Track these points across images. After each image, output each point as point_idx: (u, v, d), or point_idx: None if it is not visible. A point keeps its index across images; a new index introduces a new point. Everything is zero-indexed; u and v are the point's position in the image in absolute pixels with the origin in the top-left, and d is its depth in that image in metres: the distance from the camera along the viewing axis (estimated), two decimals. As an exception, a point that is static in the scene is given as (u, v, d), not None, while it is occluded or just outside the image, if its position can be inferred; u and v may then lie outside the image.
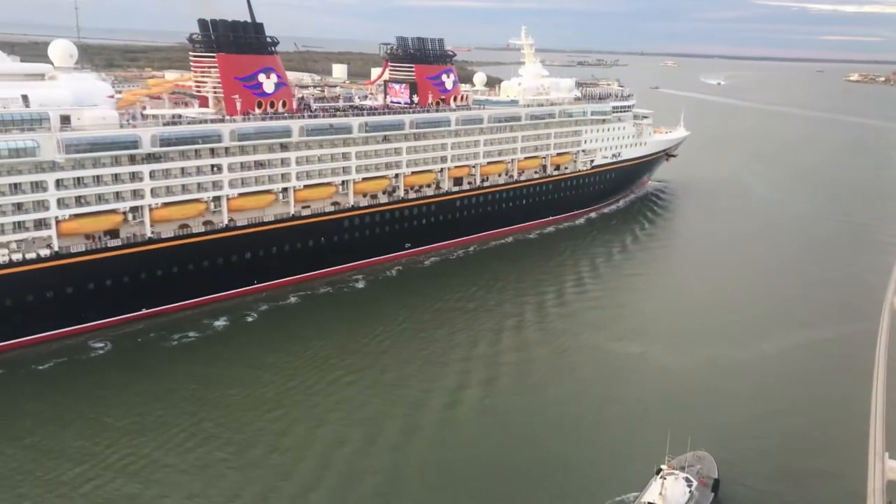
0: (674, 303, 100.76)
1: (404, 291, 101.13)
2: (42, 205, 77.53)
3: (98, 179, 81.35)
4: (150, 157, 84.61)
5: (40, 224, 77.80)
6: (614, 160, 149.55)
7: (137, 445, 59.80)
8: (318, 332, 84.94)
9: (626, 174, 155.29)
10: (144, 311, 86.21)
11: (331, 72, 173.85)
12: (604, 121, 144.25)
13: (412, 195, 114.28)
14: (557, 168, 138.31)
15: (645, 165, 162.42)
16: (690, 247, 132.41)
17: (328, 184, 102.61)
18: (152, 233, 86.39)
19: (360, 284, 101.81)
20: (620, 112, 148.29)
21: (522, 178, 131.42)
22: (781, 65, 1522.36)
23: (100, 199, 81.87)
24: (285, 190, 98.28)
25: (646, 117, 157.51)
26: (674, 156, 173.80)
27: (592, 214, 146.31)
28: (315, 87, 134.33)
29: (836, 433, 65.24)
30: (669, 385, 74.49)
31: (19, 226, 76.52)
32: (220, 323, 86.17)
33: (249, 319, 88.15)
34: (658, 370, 77.58)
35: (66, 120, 79.43)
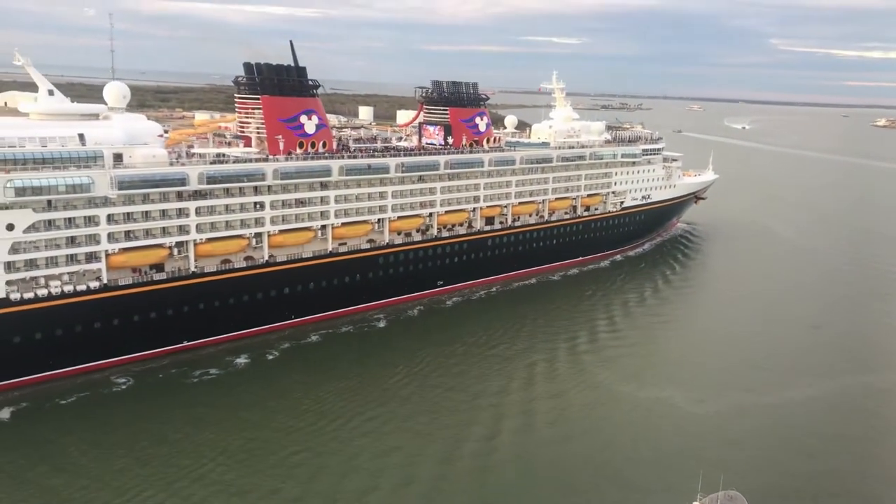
0: (704, 347, 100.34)
1: (429, 332, 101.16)
2: (94, 238, 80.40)
3: (146, 215, 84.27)
4: (197, 194, 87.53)
5: (91, 257, 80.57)
6: (644, 202, 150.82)
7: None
8: (341, 372, 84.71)
9: (656, 216, 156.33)
10: (186, 343, 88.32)
11: (357, 113, 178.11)
12: (634, 163, 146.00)
13: (445, 234, 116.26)
14: (588, 209, 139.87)
15: (674, 207, 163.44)
16: (719, 290, 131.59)
17: (365, 222, 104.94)
18: (196, 267, 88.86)
19: (382, 324, 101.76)
20: (650, 155, 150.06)
21: (553, 218, 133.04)
22: (806, 109, 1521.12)
23: (147, 233, 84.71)
24: (324, 227, 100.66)
25: (675, 160, 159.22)
26: (703, 198, 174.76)
27: (618, 257, 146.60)
28: (351, 128, 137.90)
29: (869, 477, 65.30)
30: (700, 427, 74.82)
31: (72, 258, 79.36)
32: (242, 360, 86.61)
33: (270, 357, 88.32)
34: (688, 414, 77.64)
35: (118, 158, 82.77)
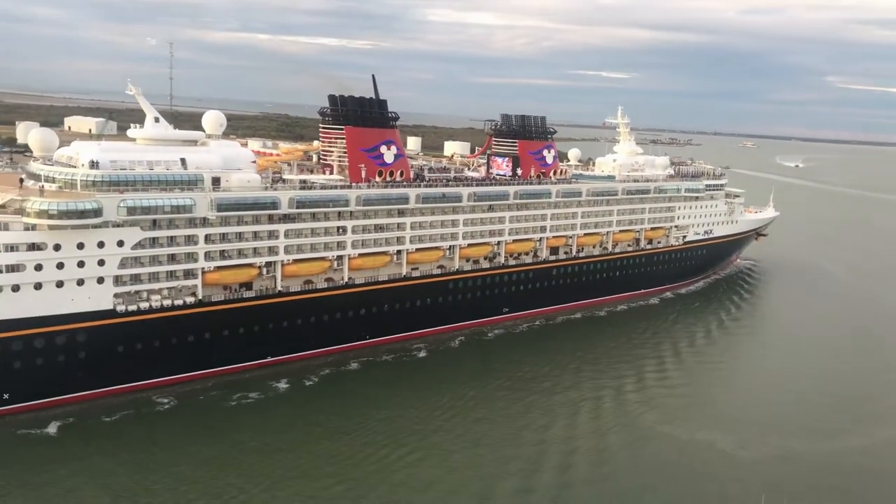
0: (756, 391, 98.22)
1: (473, 363, 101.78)
2: (192, 256, 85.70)
3: (240, 236, 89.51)
4: (286, 218, 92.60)
5: (189, 274, 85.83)
6: (706, 237, 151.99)
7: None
8: (383, 402, 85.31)
9: (717, 251, 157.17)
10: (270, 358, 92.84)
11: (406, 143, 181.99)
12: (697, 198, 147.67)
13: (511, 262, 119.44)
14: (650, 242, 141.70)
15: (735, 243, 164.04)
16: (775, 331, 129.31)
17: (437, 248, 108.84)
18: (281, 287, 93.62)
19: (422, 353, 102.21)
20: (713, 190, 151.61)
21: (616, 249, 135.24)
22: (863, 148, 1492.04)
23: (240, 253, 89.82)
24: (399, 252, 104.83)
25: (738, 196, 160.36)
26: (764, 235, 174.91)
27: (669, 294, 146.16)
28: (422, 159, 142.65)
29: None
30: (747, 474, 73.01)
31: (171, 275, 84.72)
32: (284, 384, 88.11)
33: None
34: (734, 459, 76.19)
35: (216, 181, 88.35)
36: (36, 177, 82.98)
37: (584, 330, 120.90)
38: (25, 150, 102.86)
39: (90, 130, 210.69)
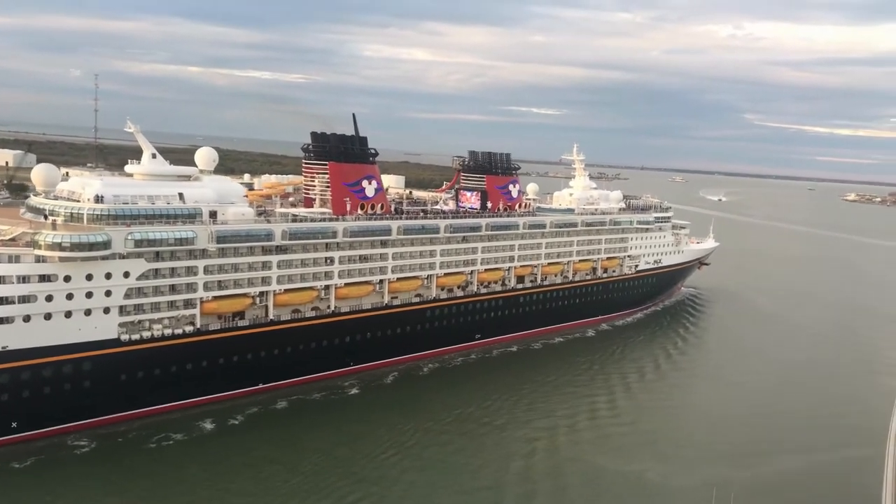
0: (684, 421, 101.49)
1: (419, 399, 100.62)
2: (192, 287, 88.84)
3: (236, 266, 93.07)
4: (279, 249, 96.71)
5: (188, 304, 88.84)
6: (656, 266, 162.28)
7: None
8: (311, 442, 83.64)
9: (666, 279, 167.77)
10: (261, 385, 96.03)
11: None
12: (647, 229, 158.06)
13: (483, 290, 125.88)
14: (606, 271, 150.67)
15: (681, 272, 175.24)
16: (700, 361, 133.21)
17: (416, 277, 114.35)
18: (273, 315, 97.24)
19: (354, 391, 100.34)
20: (661, 222, 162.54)
21: (576, 278, 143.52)
22: (779, 182, 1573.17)
23: (235, 283, 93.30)
24: (381, 281, 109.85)
25: (683, 227, 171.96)
26: (706, 264, 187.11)
27: (617, 321, 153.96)
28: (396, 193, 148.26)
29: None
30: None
31: (172, 304, 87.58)
32: (208, 425, 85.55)
33: (233, 422, 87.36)
34: (664, 489, 78.15)
35: (213, 215, 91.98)
36: (38, 210, 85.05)
37: (528, 359, 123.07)
38: None
39: (7, 163, 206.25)
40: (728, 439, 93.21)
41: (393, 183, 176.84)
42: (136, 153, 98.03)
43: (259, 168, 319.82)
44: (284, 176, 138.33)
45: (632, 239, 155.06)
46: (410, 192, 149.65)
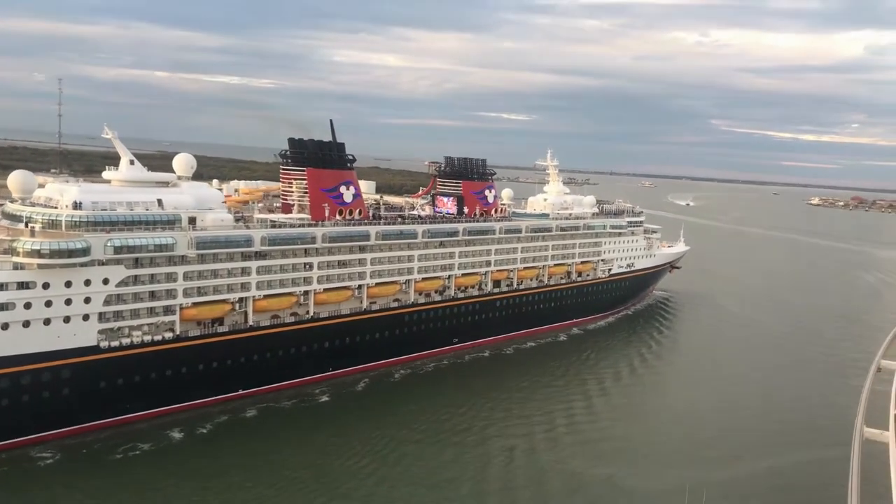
0: (657, 423, 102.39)
1: (391, 406, 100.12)
2: (171, 293, 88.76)
3: (215, 273, 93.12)
4: (258, 255, 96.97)
5: (168, 310, 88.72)
6: (629, 269, 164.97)
7: None
8: (282, 453, 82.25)
9: (639, 283, 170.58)
10: (241, 391, 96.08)
11: None
12: (620, 234, 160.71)
13: (460, 295, 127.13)
14: (580, 275, 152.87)
15: (653, 276, 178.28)
16: (673, 364, 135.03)
17: (395, 282, 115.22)
18: (252, 321, 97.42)
19: (325, 398, 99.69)
20: (634, 226, 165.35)
21: (551, 282, 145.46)
22: (745, 186, 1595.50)
23: (215, 290, 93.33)
24: (360, 287, 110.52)
25: (655, 232, 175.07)
26: (678, 267, 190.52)
27: (589, 325, 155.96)
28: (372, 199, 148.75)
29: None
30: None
31: (151, 311, 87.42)
32: (176, 434, 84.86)
33: (202, 431, 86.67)
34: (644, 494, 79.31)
35: (192, 221, 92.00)
36: (15, 217, 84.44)
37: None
38: None
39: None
40: (700, 441, 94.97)
41: (364, 189, 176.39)
42: (102, 159, 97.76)
43: (228, 174, 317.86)
44: (254, 182, 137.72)
45: (605, 243, 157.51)
46: (382, 198, 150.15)
